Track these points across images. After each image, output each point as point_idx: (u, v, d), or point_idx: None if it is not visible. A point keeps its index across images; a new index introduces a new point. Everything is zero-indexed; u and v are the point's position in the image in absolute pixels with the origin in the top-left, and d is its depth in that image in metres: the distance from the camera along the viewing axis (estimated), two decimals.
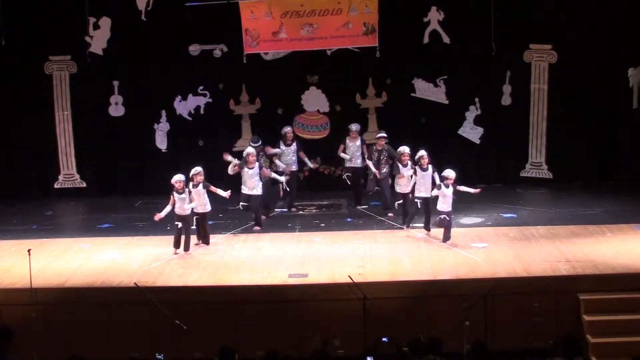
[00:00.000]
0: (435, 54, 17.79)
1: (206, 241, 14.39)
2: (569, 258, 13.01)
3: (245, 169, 15.03)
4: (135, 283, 12.15)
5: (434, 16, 17.65)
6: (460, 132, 18.11)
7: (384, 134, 16.20)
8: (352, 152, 16.43)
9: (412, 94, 18.04)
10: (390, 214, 15.73)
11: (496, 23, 17.20)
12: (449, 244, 13.90)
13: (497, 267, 12.76)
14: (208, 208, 14.29)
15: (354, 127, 16.48)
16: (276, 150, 16.22)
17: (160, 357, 11.21)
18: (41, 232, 15.67)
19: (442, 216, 13.95)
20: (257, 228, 15.28)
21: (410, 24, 17.68)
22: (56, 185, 18.46)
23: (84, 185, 18.49)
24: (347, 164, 16.58)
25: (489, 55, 17.41)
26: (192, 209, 14.02)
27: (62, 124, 18.25)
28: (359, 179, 16.61)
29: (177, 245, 13.91)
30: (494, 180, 18.15)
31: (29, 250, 12.30)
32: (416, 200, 14.56)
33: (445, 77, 17.93)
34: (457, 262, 13.11)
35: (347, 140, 16.47)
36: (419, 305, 12.19)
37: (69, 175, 18.43)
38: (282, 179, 15.88)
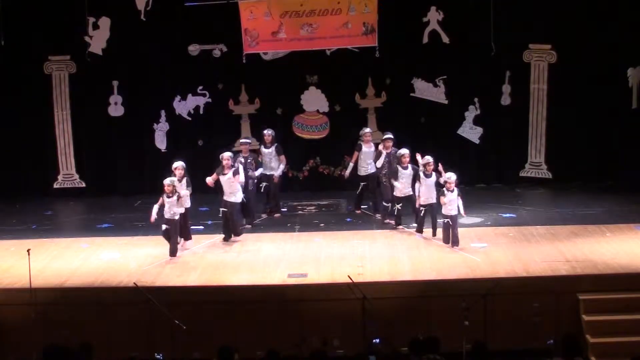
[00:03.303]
0: (434, 54, 17.79)
1: (188, 237, 14.28)
2: (568, 258, 13.01)
3: (221, 175, 14.43)
4: (134, 283, 12.15)
5: (434, 16, 17.65)
6: (459, 132, 18.10)
7: (390, 135, 15.56)
8: (367, 158, 15.66)
9: (412, 94, 18.03)
10: (386, 221, 15.31)
11: (496, 23, 17.21)
12: (448, 244, 13.89)
13: (497, 267, 12.76)
14: (187, 205, 14.10)
15: (368, 130, 15.98)
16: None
17: (159, 357, 11.23)
18: (41, 232, 15.66)
19: (446, 220, 13.81)
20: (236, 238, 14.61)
21: (410, 24, 17.68)
22: (56, 185, 18.46)
23: (84, 185, 18.49)
24: (362, 172, 15.78)
25: (489, 55, 17.41)
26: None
27: (61, 124, 18.25)
28: (375, 184, 15.75)
29: (173, 253, 13.72)
30: (493, 180, 18.15)
31: (28, 250, 12.29)
32: (421, 207, 14.35)
33: (445, 77, 17.93)
34: (456, 262, 13.11)
35: (363, 146, 15.71)
36: (419, 305, 12.18)
37: (68, 175, 18.43)
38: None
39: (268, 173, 15.94)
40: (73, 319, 12.11)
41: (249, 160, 15.39)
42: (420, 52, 17.82)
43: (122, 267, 13.34)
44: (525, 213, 16.02)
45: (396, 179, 14.79)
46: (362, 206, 16.32)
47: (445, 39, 17.70)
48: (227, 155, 14.56)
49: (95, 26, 17.82)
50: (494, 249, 13.62)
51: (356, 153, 15.84)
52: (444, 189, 13.74)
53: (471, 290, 11.76)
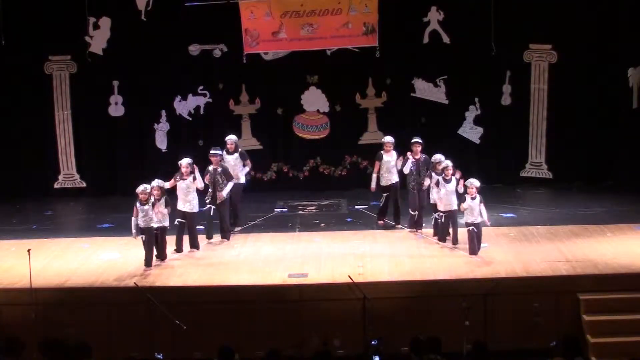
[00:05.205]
0: (435, 54, 17.80)
1: (162, 257, 13.55)
2: (568, 258, 13.02)
3: (179, 182, 14.01)
4: (135, 283, 12.17)
5: (434, 16, 17.66)
6: (460, 132, 18.12)
7: (419, 139, 14.82)
8: (389, 167, 14.96)
9: (412, 94, 18.04)
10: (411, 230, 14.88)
11: (496, 23, 17.21)
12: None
13: (497, 267, 12.77)
14: (166, 223, 13.60)
15: (388, 139, 15.11)
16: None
17: (160, 357, 11.23)
18: (41, 232, 15.66)
19: (470, 228, 13.32)
20: (194, 250, 14.12)
21: (410, 24, 17.69)
22: (56, 185, 18.46)
23: (84, 185, 18.49)
24: (383, 182, 15.03)
25: (489, 55, 17.41)
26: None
27: (62, 124, 18.26)
28: (398, 195, 15.11)
29: (149, 264, 13.29)
30: (494, 180, 18.13)
31: (28, 250, 12.30)
32: (441, 214, 13.99)
33: (445, 77, 17.94)
34: (457, 262, 13.11)
35: (384, 156, 14.97)
36: (419, 305, 12.18)
37: (68, 175, 18.43)
38: (227, 188, 14.39)
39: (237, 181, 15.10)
40: (73, 319, 12.10)
41: (218, 171, 14.54)
42: (420, 52, 17.83)
43: (122, 267, 13.33)
44: (525, 213, 16.03)
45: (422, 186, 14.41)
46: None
47: (446, 39, 17.71)
48: (185, 162, 14.09)
49: (96, 26, 17.83)
50: (494, 249, 13.61)
51: (377, 163, 15.08)
52: (466, 195, 13.35)
53: (471, 290, 11.78)
